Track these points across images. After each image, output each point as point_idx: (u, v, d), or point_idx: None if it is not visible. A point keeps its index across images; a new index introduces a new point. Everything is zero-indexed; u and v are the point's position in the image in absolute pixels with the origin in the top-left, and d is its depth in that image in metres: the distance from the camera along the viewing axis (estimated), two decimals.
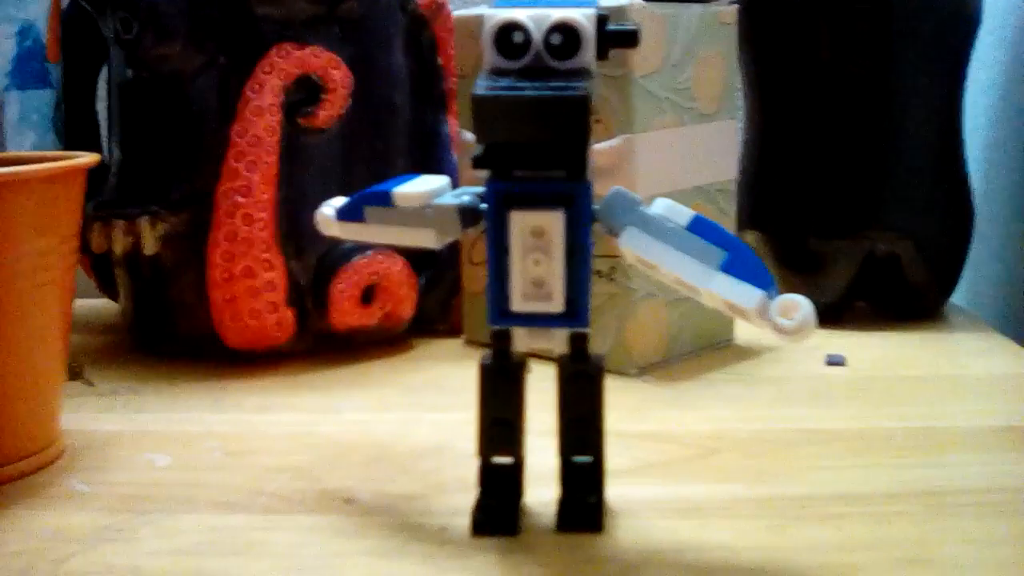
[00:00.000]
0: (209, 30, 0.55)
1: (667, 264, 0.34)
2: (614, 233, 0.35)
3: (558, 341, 0.36)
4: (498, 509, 0.37)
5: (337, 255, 0.56)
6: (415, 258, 0.58)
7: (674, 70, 0.53)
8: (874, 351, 0.57)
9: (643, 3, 0.51)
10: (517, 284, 0.35)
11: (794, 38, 0.62)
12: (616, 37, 0.35)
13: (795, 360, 0.55)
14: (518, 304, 0.35)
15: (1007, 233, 0.72)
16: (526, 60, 0.34)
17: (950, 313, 0.64)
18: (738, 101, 0.59)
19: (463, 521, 0.37)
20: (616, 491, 0.39)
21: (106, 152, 0.63)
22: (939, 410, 0.48)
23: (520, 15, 0.34)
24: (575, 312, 0.35)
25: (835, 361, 0.55)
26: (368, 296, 0.57)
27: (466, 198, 0.36)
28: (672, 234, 0.34)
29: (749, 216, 0.64)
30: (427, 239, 0.37)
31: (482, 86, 0.33)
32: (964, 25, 0.61)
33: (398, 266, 0.57)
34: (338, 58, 0.56)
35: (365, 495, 0.40)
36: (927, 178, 0.61)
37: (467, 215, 0.36)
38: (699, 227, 0.34)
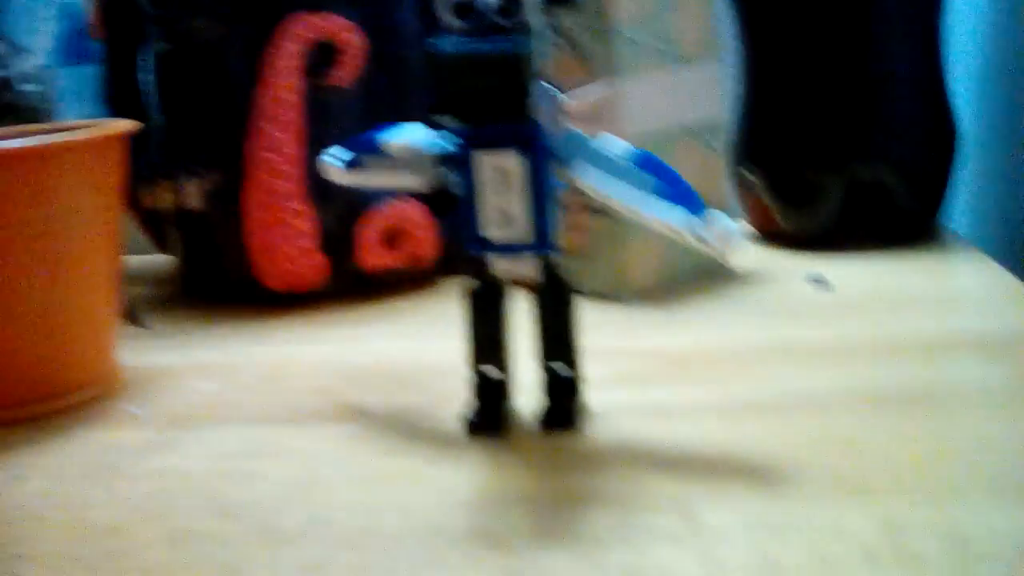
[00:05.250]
0: (229, 3, 0.61)
1: (611, 193, 0.39)
2: (567, 168, 0.40)
3: (532, 267, 0.41)
4: (487, 412, 0.42)
5: (360, 203, 0.62)
6: (439, 203, 0.64)
7: (655, 18, 0.58)
8: (862, 273, 0.61)
9: None
10: (488, 217, 0.40)
11: None
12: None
13: (784, 283, 0.60)
14: (491, 233, 0.40)
15: (1001, 160, 0.75)
16: (476, 20, 0.39)
17: (947, 241, 0.67)
18: (728, 43, 0.63)
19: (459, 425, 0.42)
20: (595, 397, 0.43)
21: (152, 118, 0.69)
22: (902, 322, 0.52)
23: None
24: (541, 240, 0.40)
25: (816, 278, 0.59)
26: (393, 240, 0.63)
27: (440, 143, 0.41)
28: (614, 166, 0.39)
29: (746, 152, 0.68)
30: (415, 182, 0.42)
31: (436, 44, 0.39)
32: None
33: (415, 211, 0.63)
34: (351, 22, 0.61)
35: (377, 408, 0.46)
36: (908, 106, 0.65)
37: (443, 159, 0.41)
38: (640, 160, 0.39)
